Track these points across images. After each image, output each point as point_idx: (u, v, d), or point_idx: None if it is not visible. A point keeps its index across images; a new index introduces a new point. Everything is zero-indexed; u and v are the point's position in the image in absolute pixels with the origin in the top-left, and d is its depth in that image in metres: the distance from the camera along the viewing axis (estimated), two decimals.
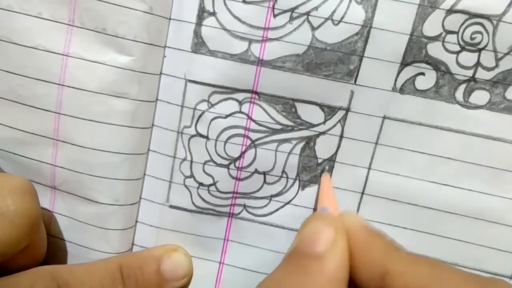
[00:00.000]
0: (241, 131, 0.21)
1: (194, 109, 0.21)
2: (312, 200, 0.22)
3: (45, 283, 0.16)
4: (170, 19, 0.20)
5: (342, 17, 0.19)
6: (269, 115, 0.21)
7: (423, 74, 0.20)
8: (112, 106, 0.20)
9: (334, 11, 0.19)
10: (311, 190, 0.22)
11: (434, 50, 0.19)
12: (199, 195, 0.22)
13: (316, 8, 0.19)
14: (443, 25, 0.19)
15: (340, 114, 0.21)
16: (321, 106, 0.21)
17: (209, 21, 0.20)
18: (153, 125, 0.21)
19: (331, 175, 0.21)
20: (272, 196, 0.22)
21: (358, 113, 0.20)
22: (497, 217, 0.21)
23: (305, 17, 0.19)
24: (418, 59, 0.20)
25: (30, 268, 0.17)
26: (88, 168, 0.20)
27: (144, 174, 0.22)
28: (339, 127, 0.21)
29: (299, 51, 0.20)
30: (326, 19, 0.19)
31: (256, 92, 0.20)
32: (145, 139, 0.21)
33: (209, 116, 0.21)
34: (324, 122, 0.21)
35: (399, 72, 0.20)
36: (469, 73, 0.20)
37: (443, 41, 0.19)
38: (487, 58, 0.19)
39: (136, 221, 0.22)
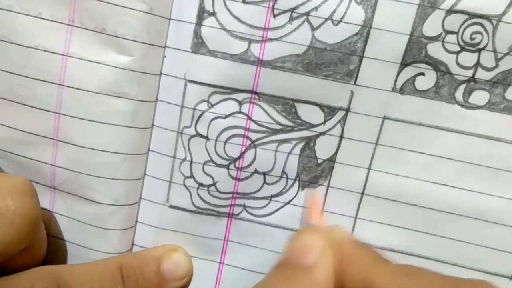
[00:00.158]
0: (241, 131, 0.21)
1: (194, 109, 0.21)
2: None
3: (45, 283, 0.16)
4: (170, 19, 0.20)
5: (342, 17, 0.19)
6: (269, 115, 0.21)
7: (423, 74, 0.20)
8: (112, 106, 0.20)
9: (334, 11, 0.19)
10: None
11: (434, 50, 0.19)
12: (199, 195, 0.22)
13: (316, 8, 0.19)
14: (443, 25, 0.19)
15: (340, 114, 0.21)
16: (321, 106, 0.21)
17: (209, 21, 0.20)
18: (153, 125, 0.21)
19: (331, 176, 0.21)
20: (272, 196, 0.22)
21: (358, 114, 0.20)
22: (497, 217, 0.21)
23: (305, 17, 0.19)
24: (418, 59, 0.20)
25: (30, 268, 0.17)
26: (88, 168, 0.20)
27: (144, 174, 0.22)
28: (339, 127, 0.21)
29: (299, 51, 0.20)
30: (326, 19, 0.19)
31: (256, 92, 0.20)
32: (145, 139, 0.21)
33: (209, 116, 0.21)
34: (324, 123, 0.21)
35: (399, 72, 0.20)
36: (469, 73, 0.20)
37: (443, 41, 0.19)
38: (487, 58, 0.19)
39: (136, 221, 0.22)
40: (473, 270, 0.22)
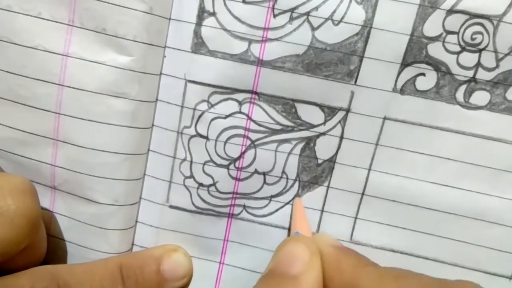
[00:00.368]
0: (241, 132, 0.21)
1: (194, 109, 0.21)
2: (312, 200, 0.22)
3: (45, 283, 0.16)
4: (170, 19, 0.20)
5: (342, 17, 0.19)
6: (269, 115, 0.21)
7: (423, 74, 0.20)
8: (111, 106, 0.20)
9: (334, 11, 0.19)
10: (311, 191, 0.22)
11: (435, 50, 0.19)
12: (199, 195, 0.22)
13: (316, 8, 0.19)
14: (443, 26, 0.19)
15: (340, 114, 0.21)
16: (321, 106, 0.21)
17: (209, 21, 0.20)
18: (153, 125, 0.21)
19: (331, 176, 0.21)
20: (272, 196, 0.22)
21: (358, 114, 0.20)
22: (497, 218, 0.21)
23: (305, 17, 0.19)
24: (419, 59, 0.20)
25: (30, 267, 0.17)
26: (88, 168, 0.20)
27: (144, 174, 0.22)
28: (339, 127, 0.21)
29: (299, 51, 0.20)
30: (326, 19, 0.19)
31: (256, 93, 0.20)
32: (145, 139, 0.21)
33: (209, 117, 0.21)
34: (324, 123, 0.21)
35: (399, 73, 0.20)
36: (470, 73, 0.20)
37: (444, 42, 0.19)
38: (488, 59, 0.19)
39: (136, 221, 0.22)
40: (473, 270, 0.22)
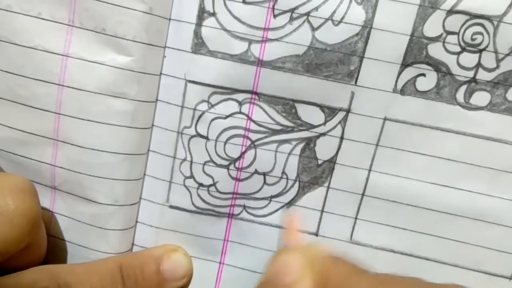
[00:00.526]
0: (241, 132, 0.21)
1: (194, 109, 0.21)
2: (312, 200, 0.22)
3: (45, 283, 0.16)
4: (170, 19, 0.20)
5: (342, 18, 0.19)
6: (269, 115, 0.21)
7: (423, 75, 0.20)
8: (111, 106, 0.20)
9: (334, 12, 0.19)
10: (311, 191, 0.22)
11: (435, 51, 0.19)
12: (199, 195, 0.22)
13: (316, 9, 0.19)
14: (443, 26, 0.19)
15: (340, 115, 0.21)
16: (321, 107, 0.20)
17: (209, 21, 0.20)
18: (153, 125, 0.21)
19: (331, 177, 0.21)
20: (272, 196, 0.22)
21: (358, 114, 0.20)
22: (497, 218, 0.21)
23: (305, 17, 0.19)
24: (419, 60, 0.20)
25: (30, 267, 0.17)
26: (88, 168, 0.20)
27: (144, 174, 0.22)
28: (339, 128, 0.21)
29: (299, 51, 0.20)
30: (326, 20, 0.19)
31: (256, 93, 0.20)
32: (145, 140, 0.21)
33: (209, 117, 0.21)
34: (324, 123, 0.21)
35: (399, 73, 0.20)
36: (470, 74, 0.20)
37: (444, 42, 0.19)
38: (488, 59, 0.19)
39: (136, 221, 0.22)
40: (473, 271, 0.22)
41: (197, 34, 0.20)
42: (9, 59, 0.19)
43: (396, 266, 0.22)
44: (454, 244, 0.21)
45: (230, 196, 0.22)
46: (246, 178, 0.21)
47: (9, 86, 0.20)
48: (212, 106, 0.21)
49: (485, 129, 0.20)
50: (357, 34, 0.19)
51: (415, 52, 0.19)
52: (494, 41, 0.19)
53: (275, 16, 0.19)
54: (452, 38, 0.19)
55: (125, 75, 0.19)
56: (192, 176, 0.21)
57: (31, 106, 0.20)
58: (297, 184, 0.21)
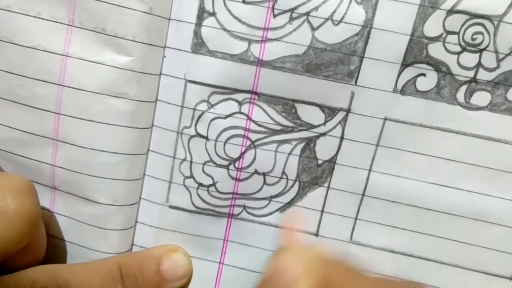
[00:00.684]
0: (241, 132, 0.21)
1: (194, 109, 0.21)
2: (312, 201, 0.22)
3: (44, 283, 0.16)
4: (169, 19, 0.20)
5: (342, 18, 0.19)
6: (269, 115, 0.21)
7: (424, 75, 0.20)
8: (111, 106, 0.20)
9: (334, 12, 0.19)
10: (311, 191, 0.22)
11: (435, 50, 0.19)
12: (198, 195, 0.22)
13: (316, 9, 0.19)
14: (443, 26, 0.19)
15: (340, 115, 0.21)
16: (321, 107, 0.20)
17: (209, 21, 0.20)
18: (152, 125, 0.21)
19: (331, 177, 0.21)
20: (272, 197, 0.22)
21: (358, 114, 0.20)
22: (497, 218, 0.21)
23: (305, 17, 0.19)
24: (419, 59, 0.20)
25: (30, 267, 0.17)
26: (87, 168, 0.20)
27: (144, 174, 0.22)
28: (339, 128, 0.21)
29: (299, 51, 0.20)
30: (326, 20, 0.19)
31: (256, 93, 0.20)
32: (144, 139, 0.21)
33: (209, 117, 0.21)
34: (324, 123, 0.21)
35: (400, 73, 0.20)
36: (470, 74, 0.20)
37: (444, 42, 0.19)
38: (488, 59, 0.19)
39: (136, 221, 0.22)
40: (473, 271, 0.21)
41: (197, 34, 0.20)
42: (9, 59, 0.19)
43: (396, 266, 0.22)
44: (454, 244, 0.21)
45: (230, 196, 0.22)
46: (246, 178, 0.21)
47: (9, 86, 0.20)
48: (212, 106, 0.21)
49: (485, 129, 0.20)
50: (357, 34, 0.19)
51: (415, 52, 0.19)
52: (494, 41, 0.19)
53: (275, 16, 0.19)
54: (452, 38, 0.19)
55: (125, 75, 0.19)
56: (192, 176, 0.21)
57: (31, 106, 0.20)
58: (297, 184, 0.21)
